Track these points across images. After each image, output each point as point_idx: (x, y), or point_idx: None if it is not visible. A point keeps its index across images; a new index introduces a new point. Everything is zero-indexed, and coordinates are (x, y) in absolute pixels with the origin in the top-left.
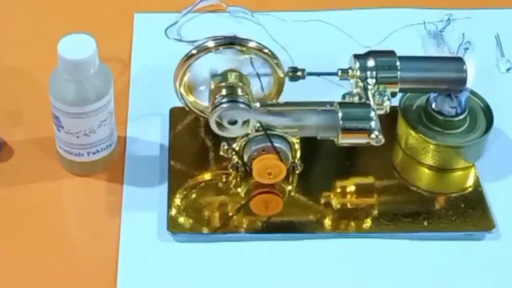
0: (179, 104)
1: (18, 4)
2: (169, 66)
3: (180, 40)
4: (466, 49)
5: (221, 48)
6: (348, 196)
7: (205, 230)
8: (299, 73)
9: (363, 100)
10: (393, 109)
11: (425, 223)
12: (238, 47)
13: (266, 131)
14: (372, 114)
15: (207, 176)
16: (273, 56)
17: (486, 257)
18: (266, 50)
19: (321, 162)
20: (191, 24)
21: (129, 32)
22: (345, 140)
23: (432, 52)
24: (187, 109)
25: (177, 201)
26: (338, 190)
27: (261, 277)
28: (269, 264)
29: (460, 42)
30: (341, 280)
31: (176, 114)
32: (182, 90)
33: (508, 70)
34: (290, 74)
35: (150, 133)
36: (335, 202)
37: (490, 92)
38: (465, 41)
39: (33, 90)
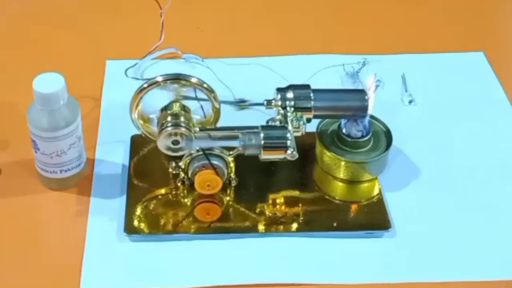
0: (138, 132)
1: (8, 51)
2: None
3: (137, 79)
4: (377, 86)
5: (168, 82)
6: (278, 206)
7: (156, 232)
8: (241, 103)
9: (282, 124)
10: (313, 133)
11: (335, 224)
12: (183, 82)
13: (204, 151)
14: (288, 135)
15: (159, 189)
16: (211, 90)
17: (384, 251)
18: (205, 85)
19: (255, 178)
20: (153, 68)
21: (101, 75)
22: (266, 156)
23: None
24: (142, 134)
25: (133, 209)
26: (270, 201)
27: (203, 269)
28: (210, 259)
29: (372, 80)
30: (269, 269)
31: (136, 141)
32: (136, 118)
33: (410, 102)
34: (239, 104)
35: (114, 156)
36: (267, 211)
37: (395, 120)
38: (376, 79)
39: (17, 121)
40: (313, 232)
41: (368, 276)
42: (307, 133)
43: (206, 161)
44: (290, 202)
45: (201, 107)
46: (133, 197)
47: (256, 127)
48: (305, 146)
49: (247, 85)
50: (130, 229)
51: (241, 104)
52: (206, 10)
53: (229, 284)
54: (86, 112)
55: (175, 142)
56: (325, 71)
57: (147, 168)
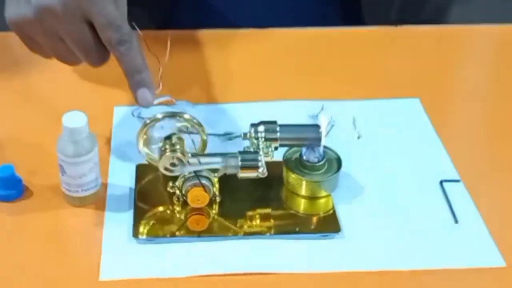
0: (142, 161)
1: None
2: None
3: (142, 118)
4: (332, 125)
5: (166, 118)
6: (254, 221)
7: (157, 236)
8: (224, 136)
9: (255, 150)
10: (280, 162)
11: (297, 229)
12: (178, 117)
13: (195, 173)
14: (259, 158)
15: (160, 205)
16: (200, 124)
17: (335, 250)
18: (195, 120)
19: (236, 196)
20: (153, 112)
21: (111, 118)
22: (243, 174)
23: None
24: (146, 161)
25: (139, 220)
26: (247, 216)
27: (192, 265)
28: (199, 256)
29: (329, 121)
30: (247, 262)
31: (140, 169)
32: (142, 148)
33: (358, 137)
34: (222, 136)
35: (123, 181)
36: (245, 225)
37: (346, 151)
38: (332, 120)
39: (44, 154)
40: (281, 235)
41: (323, 266)
42: (276, 162)
43: (197, 181)
44: (263, 217)
45: (192, 141)
46: (139, 212)
47: (235, 153)
48: (275, 172)
49: (226, 124)
50: (137, 234)
51: (223, 136)
52: (196, 66)
53: (214, 273)
54: (100, 146)
55: (173, 165)
56: (290, 114)
57: (149, 190)
